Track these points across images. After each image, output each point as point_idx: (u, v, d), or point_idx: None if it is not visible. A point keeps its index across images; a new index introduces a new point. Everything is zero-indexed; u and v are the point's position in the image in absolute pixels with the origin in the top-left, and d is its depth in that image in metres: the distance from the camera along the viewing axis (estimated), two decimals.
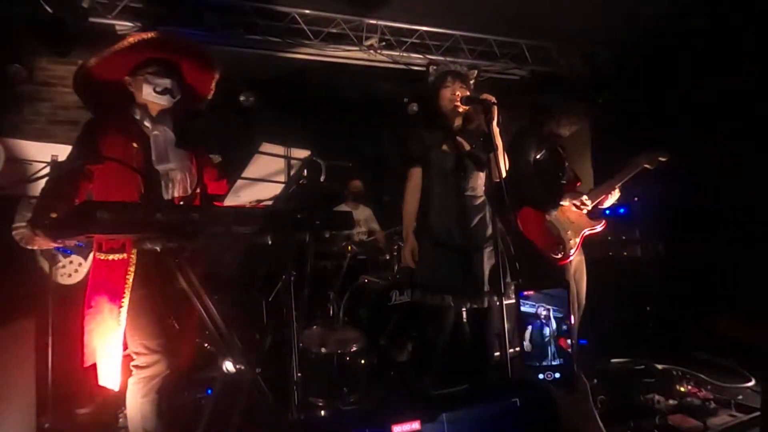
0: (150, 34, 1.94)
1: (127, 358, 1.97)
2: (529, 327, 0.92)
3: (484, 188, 2.52)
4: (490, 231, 2.46)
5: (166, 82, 1.99)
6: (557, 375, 0.87)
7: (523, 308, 0.93)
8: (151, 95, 1.99)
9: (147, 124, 2.02)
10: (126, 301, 1.88)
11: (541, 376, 0.88)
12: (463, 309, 2.46)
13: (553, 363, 0.88)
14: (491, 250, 2.42)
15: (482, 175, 2.51)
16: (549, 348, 0.90)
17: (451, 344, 2.51)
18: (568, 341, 0.89)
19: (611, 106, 4.85)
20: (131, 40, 1.91)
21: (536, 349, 0.91)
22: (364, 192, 4.92)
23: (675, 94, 4.22)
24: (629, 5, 3.73)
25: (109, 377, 1.90)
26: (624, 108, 4.63)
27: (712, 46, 3.91)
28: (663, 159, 2.97)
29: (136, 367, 1.95)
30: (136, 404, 1.96)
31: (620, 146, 4.30)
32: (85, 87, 1.99)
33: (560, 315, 0.91)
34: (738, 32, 3.77)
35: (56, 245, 1.69)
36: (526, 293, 0.94)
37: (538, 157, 3.00)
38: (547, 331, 0.91)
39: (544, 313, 0.91)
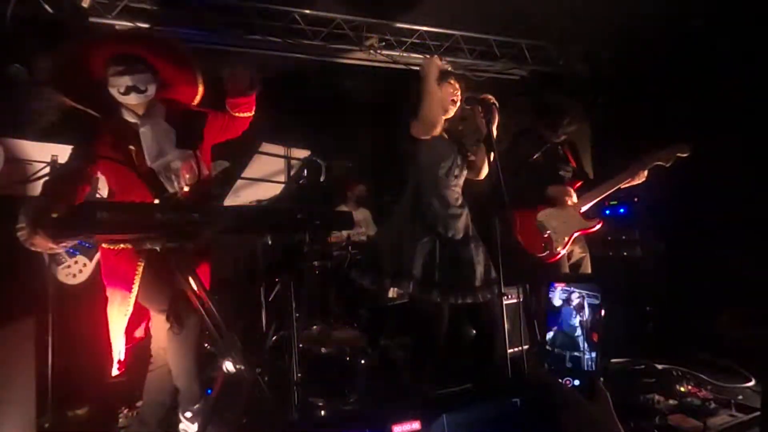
0: (101, 41, 1.96)
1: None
2: (559, 315, 0.84)
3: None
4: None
5: (126, 80, 1.94)
6: (576, 382, 0.80)
7: (552, 295, 0.85)
8: (119, 97, 1.97)
9: (135, 121, 2.01)
10: (136, 288, 1.94)
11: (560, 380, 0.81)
12: (453, 303, 2.45)
13: (585, 357, 0.79)
14: (481, 243, 2.45)
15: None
16: (579, 340, 0.80)
17: (451, 344, 2.51)
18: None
19: (611, 106, 4.85)
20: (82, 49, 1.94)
21: (566, 340, 0.83)
22: (368, 196, 4.95)
23: (675, 94, 4.22)
24: (629, 5, 3.73)
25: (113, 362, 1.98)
26: (624, 108, 4.62)
27: (712, 46, 3.91)
28: (683, 155, 2.80)
29: (172, 320, 1.99)
30: (182, 350, 2.05)
31: (620, 146, 4.30)
32: (68, 89, 2.02)
33: (595, 302, 0.83)
34: (738, 32, 3.76)
35: (56, 247, 1.70)
36: (556, 285, 0.86)
37: (534, 158, 2.98)
38: (577, 320, 0.82)
39: (576, 300, 0.82)
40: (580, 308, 0.82)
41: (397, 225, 2.51)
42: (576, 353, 0.82)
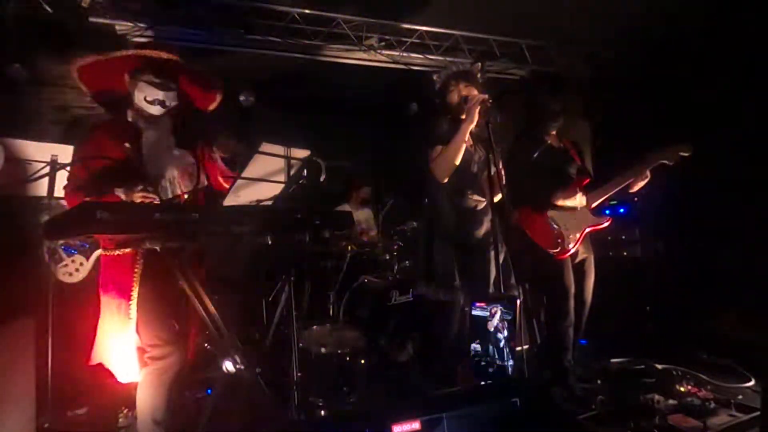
0: (148, 52, 1.94)
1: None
2: (482, 327, 0.92)
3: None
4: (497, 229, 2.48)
5: (158, 95, 1.99)
6: (517, 401, 0.85)
7: (475, 312, 0.95)
8: (142, 103, 1.99)
9: (141, 125, 2.02)
10: (135, 295, 1.90)
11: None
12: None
13: (506, 364, 0.88)
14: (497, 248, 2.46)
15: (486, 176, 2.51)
16: (504, 350, 0.90)
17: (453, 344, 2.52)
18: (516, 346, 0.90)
19: (611, 106, 4.85)
20: (129, 53, 1.94)
21: (490, 350, 0.91)
22: (370, 198, 4.97)
23: (675, 93, 4.22)
24: (629, 5, 3.73)
25: (126, 371, 1.94)
26: (624, 108, 4.62)
27: (713, 46, 3.91)
28: (685, 154, 2.84)
29: (151, 358, 1.96)
30: (149, 394, 1.97)
31: (620, 146, 4.30)
32: (90, 83, 2.02)
33: (509, 317, 0.92)
34: (738, 32, 3.76)
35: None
36: (478, 304, 0.96)
37: (535, 155, 3.00)
38: (500, 334, 0.91)
39: (497, 314, 0.91)
40: (501, 321, 0.92)
41: (422, 236, 2.56)
42: (499, 362, 0.92)
